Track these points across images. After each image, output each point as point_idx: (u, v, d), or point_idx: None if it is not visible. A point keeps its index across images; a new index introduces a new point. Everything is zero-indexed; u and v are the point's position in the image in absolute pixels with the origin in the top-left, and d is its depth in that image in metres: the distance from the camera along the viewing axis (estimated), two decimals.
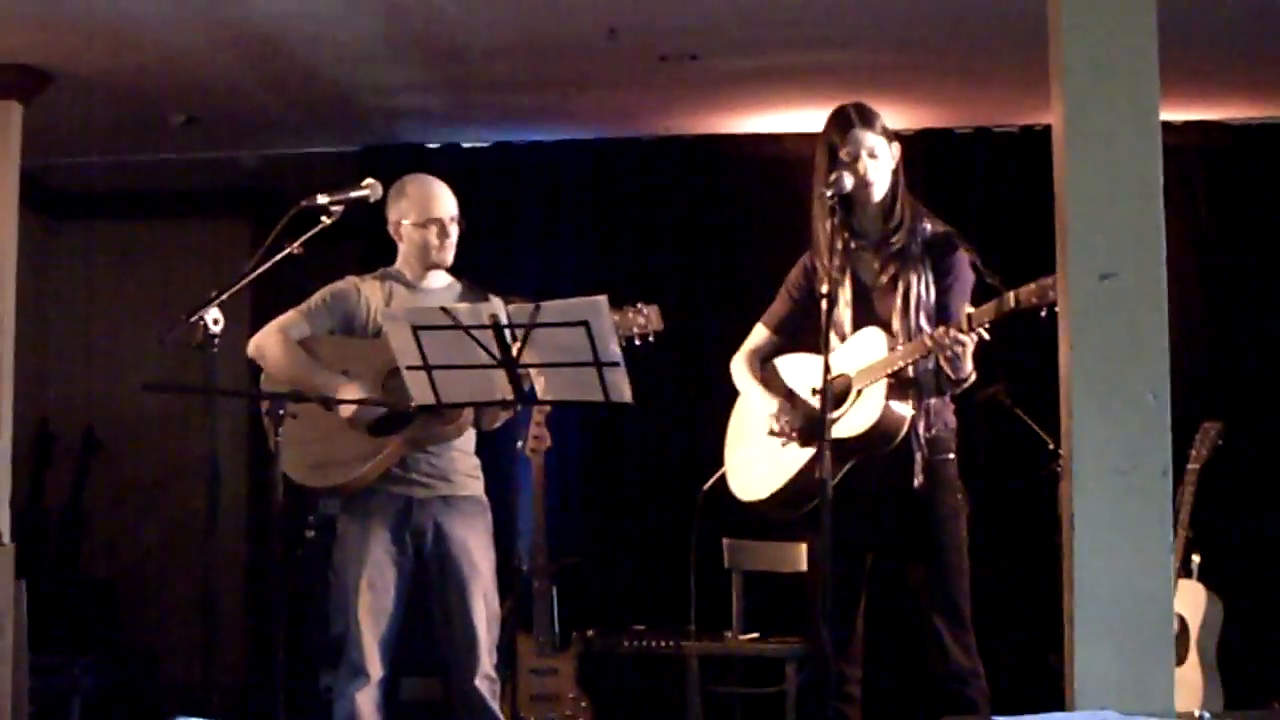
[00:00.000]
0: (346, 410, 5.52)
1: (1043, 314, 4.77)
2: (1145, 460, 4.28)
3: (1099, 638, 4.30)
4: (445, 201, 5.80)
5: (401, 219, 5.80)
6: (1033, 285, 4.81)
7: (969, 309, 5.00)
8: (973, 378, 5.14)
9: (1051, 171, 4.52)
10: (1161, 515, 4.30)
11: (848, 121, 5.25)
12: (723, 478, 5.69)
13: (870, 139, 5.22)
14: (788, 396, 5.46)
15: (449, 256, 5.81)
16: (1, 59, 7.18)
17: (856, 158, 5.20)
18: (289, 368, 5.70)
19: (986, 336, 5.00)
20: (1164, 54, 4.40)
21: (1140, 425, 4.29)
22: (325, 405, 5.42)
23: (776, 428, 5.41)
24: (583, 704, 7.11)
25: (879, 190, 5.25)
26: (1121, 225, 4.32)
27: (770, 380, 5.57)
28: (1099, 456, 4.30)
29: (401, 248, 5.85)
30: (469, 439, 5.78)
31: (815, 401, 5.23)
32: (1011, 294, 4.86)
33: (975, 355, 5.09)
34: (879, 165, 5.24)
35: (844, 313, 5.29)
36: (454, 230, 5.79)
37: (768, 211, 8.26)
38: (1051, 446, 6.94)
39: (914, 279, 5.22)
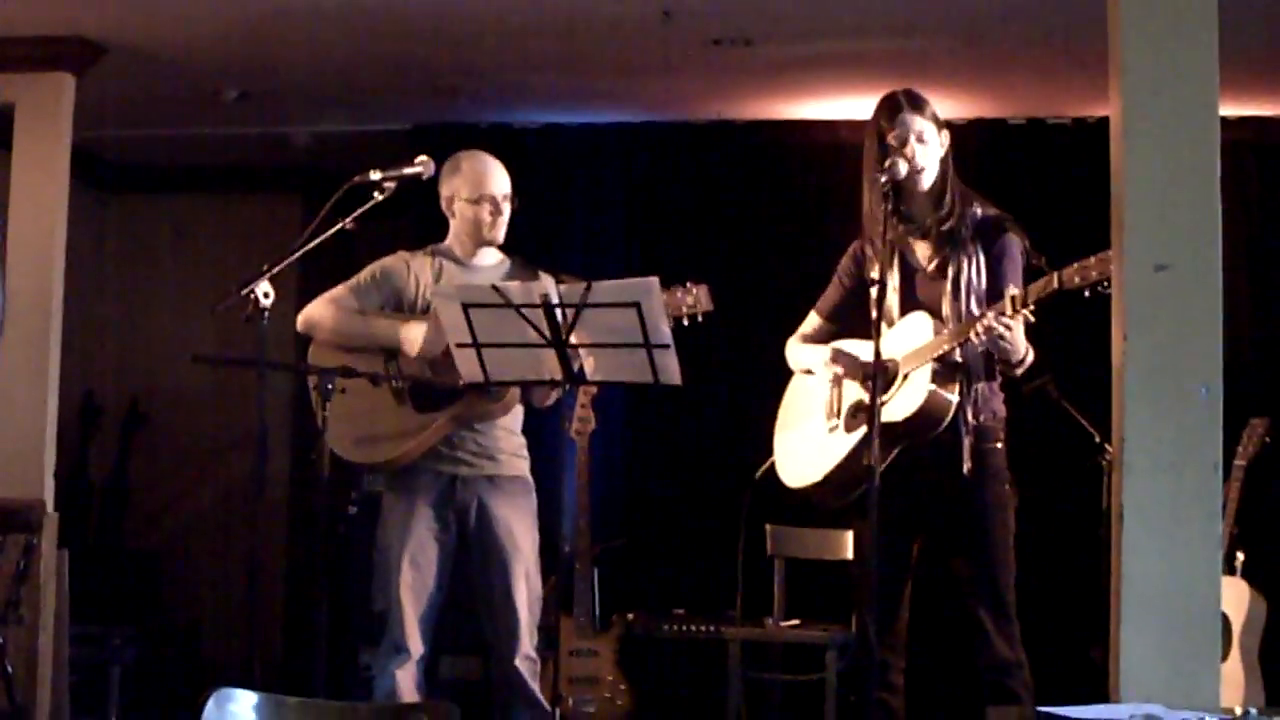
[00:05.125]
0: (413, 346, 5.53)
1: (1086, 294, 4.76)
2: (1196, 454, 4.25)
3: (1145, 631, 4.28)
4: (499, 179, 5.77)
5: (455, 195, 5.76)
6: (1075, 265, 4.79)
7: (1015, 291, 4.98)
8: (1031, 357, 5.11)
9: (1103, 164, 4.50)
10: (1211, 510, 4.27)
11: (896, 106, 5.24)
12: (773, 465, 5.68)
13: (919, 123, 5.21)
14: (837, 381, 5.46)
15: (500, 234, 5.77)
16: (55, 31, 7.20)
17: (905, 142, 5.19)
18: (345, 328, 5.69)
19: (1032, 318, 4.97)
20: (1221, 48, 4.37)
21: (1192, 419, 4.26)
22: (374, 381, 5.42)
23: (833, 395, 5.40)
24: (622, 687, 7.11)
25: (928, 176, 5.23)
26: (1178, 217, 4.29)
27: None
28: (1150, 449, 4.27)
29: (453, 224, 5.82)
30: (515, 418, 5.77)
31: (861, 387, 5.25)
32: (1055, 274, 4.84)
33: (1027, 338, 5.07)
34: (927, 150, 5.22)
35: (892, 298, 5.27)
36: (507, 208, 5.76)
37: (820, 198, 8.26)
38: (1098, 439, 6.91)
39: (964, 263, 5.20)
